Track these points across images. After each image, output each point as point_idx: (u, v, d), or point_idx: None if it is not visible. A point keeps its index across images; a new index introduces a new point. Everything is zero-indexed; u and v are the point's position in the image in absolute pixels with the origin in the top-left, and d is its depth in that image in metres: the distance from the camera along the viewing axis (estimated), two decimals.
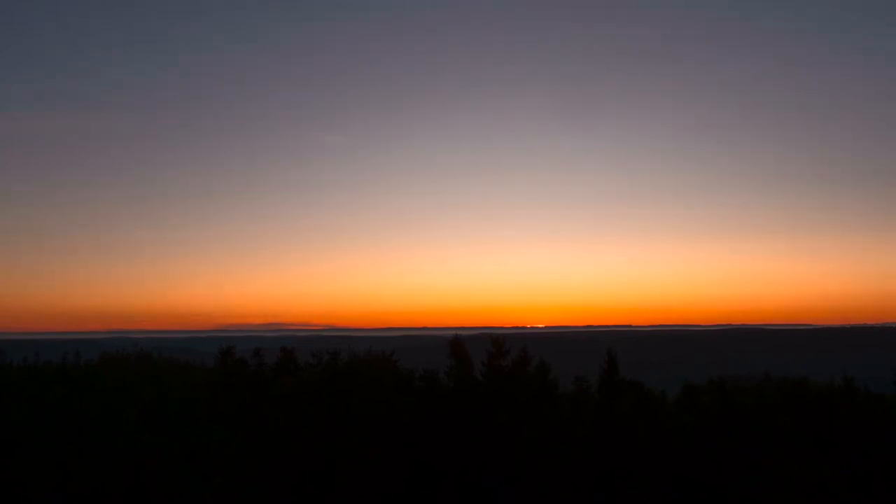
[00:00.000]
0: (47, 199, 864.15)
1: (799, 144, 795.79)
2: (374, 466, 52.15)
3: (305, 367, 63.48)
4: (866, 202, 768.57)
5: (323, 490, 52.37)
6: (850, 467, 52.52)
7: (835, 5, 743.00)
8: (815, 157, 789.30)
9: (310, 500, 52.28)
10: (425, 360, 68.10)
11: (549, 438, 54.23)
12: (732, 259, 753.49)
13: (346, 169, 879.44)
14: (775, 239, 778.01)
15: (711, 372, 73.71)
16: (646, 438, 55.19)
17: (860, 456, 54.07)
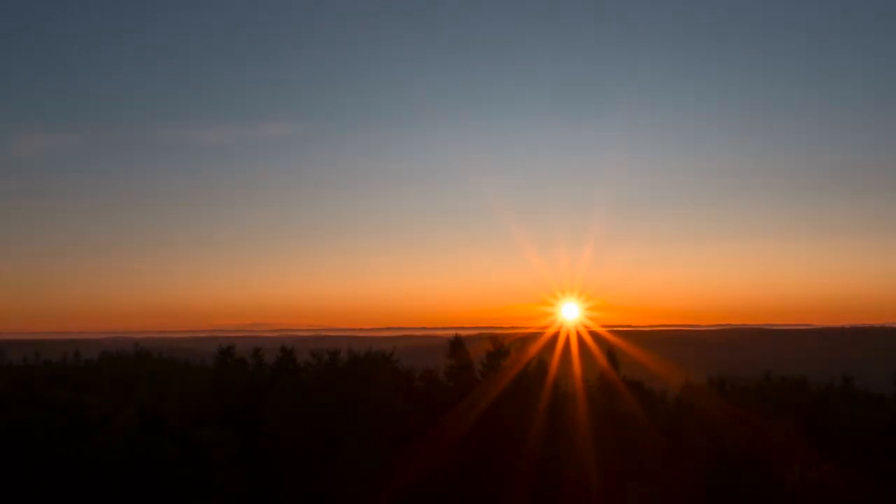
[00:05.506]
0: (47, 200, 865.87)
1: (799, 146, 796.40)
2: (374, 465, 52.10)
3: (305, 367, 63.49)
4: (866, 203, 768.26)
5: (323, 489, 52.33)
6: (850, 467, 52.46)
7: (840, 5, 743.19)
8: (815, 159, 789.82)
9: (310, 499, 52.26)
10: (425, 360, 68.16)
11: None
12: (733, 259, 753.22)
13: (345, 169, 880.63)
14: (776, 239, 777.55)
15: (711, 372, 73.69)
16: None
17: (860, 456, 54.04)
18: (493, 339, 61.58)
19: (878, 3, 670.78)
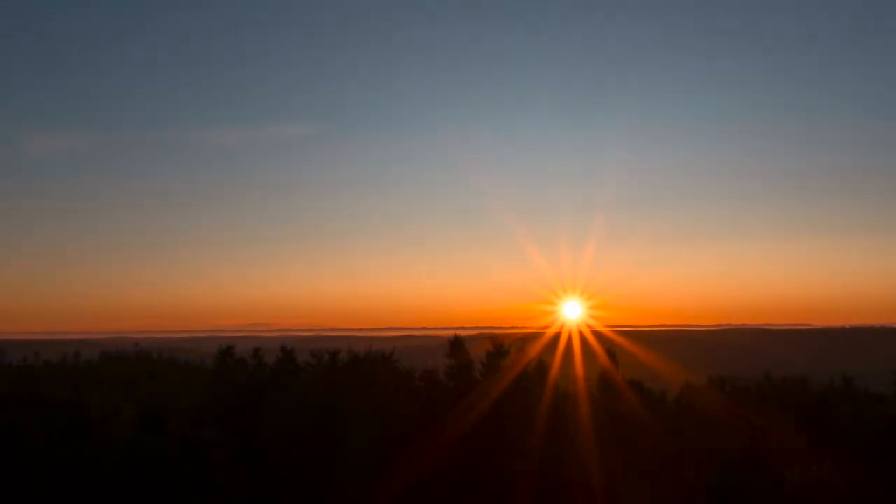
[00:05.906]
0: (48, 201, 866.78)
1: (799, 146, 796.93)
2: (374, 465, 52.07)
3: (305, 366, 63.50)
4: (866, 203, 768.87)
5: (323, 489, 52.31)
6: (850, 467, 52.49)
7: (840, 5, 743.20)
8: (815, 159, 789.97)
9: (310, 499, 52.23)
10: (425, 360, 68.16)
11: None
12: (733, 259, 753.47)
13: (346, 170, 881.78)
14: (776, 239, 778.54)
15: (711, 372, 73.73)
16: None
17: (860, 456, 54.04)
18: (493, 339, 61.53)
19: (878, 3, 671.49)
